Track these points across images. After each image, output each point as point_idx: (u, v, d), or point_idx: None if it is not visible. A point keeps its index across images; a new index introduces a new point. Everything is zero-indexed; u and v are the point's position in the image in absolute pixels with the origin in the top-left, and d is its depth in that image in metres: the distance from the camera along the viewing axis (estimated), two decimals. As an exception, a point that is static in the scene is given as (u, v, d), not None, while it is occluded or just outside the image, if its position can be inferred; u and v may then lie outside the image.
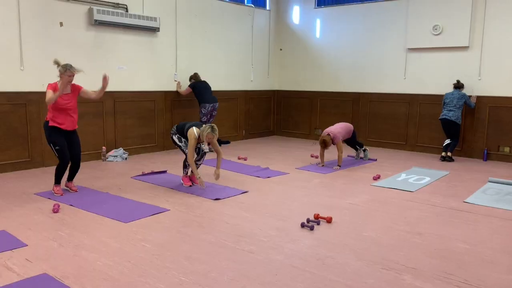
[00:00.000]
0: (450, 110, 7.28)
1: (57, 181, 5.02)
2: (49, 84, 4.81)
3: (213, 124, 5.07)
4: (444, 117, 7.35)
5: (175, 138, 5.38)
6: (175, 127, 5.43)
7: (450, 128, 7.36)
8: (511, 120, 7.30)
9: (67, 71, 4.71)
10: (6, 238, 3.62)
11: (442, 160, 7.38)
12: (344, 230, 3.97)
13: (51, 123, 4.81)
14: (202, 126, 5.10)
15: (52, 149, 4.92)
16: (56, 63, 4.76)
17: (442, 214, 4.48)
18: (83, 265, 3.14)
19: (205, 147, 5.26)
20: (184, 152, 5.34)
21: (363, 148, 7.36)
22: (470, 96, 7.46)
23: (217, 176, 5.24)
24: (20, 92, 6.10)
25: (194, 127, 5.10)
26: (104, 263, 3.18)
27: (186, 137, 5.24)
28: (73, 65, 4.79)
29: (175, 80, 8.05)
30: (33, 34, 6.16)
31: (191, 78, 7.97)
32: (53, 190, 5.02)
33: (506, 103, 7.31)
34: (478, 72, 7.54)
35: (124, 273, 3.02)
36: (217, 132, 5.05)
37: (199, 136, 5.05)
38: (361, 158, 7.40)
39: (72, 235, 3.73)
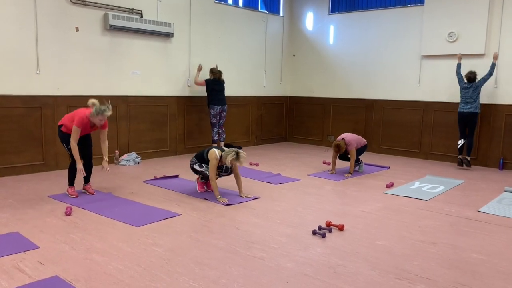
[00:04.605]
0: (467, 103, 7.08)
1: (71, 182, 5.10)
2: (77, 119, 4.77)
3: (240, 150, 4.91)
4: (461, 110, 7.16)
5: (196, 166, 5.22)
6: (194, 157, 5.30)
7: (467, 121, 7.13)
8: (528, 129, 7.18)
9: (99, 114, 4.76)
10: (19, 240, 3.65)
11: (460, 163, 7.15)
12: (357, 238, 3.92)
13: (64, 130, 4.94)
14: (224, 150, 4.98)
15: (65, 147, 5.03)
16: (93, 104, 4.80)
17: (456, 224, 4.40)
18: (94, 269, 3.15)
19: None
20: (207, 176, 5.21)
21: (359, 162, 6.99)
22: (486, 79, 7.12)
23: (245, 195, 5.19)
24: (35, 96, 6.18)
25: (215, 149, 5.02)
26: (115, 267, 3.18)
27: (207, 162, 5.10)
28: (106, 108, 4.78)
29: (188, 86, 8.10)
30: (49, 39, 6.24)
31: (211, 70, 7.93)
32: (67, 192, 5.09)
33: (523, 111, 7.20)
34: (495, 80, 7.43)
35: (135, 278, 3.02)
36: (242, 160, 4.87)
37: (221, 158, 4.93)
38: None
39: (84, 238, 3.75)
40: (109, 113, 4.81)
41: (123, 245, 3.61)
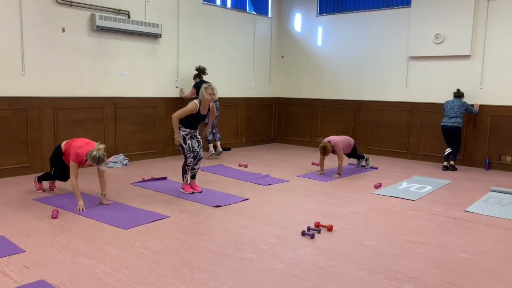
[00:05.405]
0: (451, 117, 7.22)
1: (41, 180, 5.24)
2: (73, 154, 4.56)
3: (209, 82, 5.21)
4: (444, 124, 7.30)
5: (182, 143, 5.29)
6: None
7: (451, 134, 7.27)
8: (513, 129, 7.29)
9: (93, 162, 4.46)
10: (4, 244, 3.59)
11: (445, 170, 7.30)
12: (345, 238, 3.94)
13: (62, 156, 4.90)
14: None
15: (51, 168, 5.07)
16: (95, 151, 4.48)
17: (443, 224, 4.44)
18: (81, 272, 3.11)
19: (201, 151, 5.34)
20: (185, 156, 5.29)
21: (365, 158, 7.35)
22: (472, 105, 7.42)
23: (206, 132, 5.70)
24: (21, 97, 6.09)
25: (195, 100, 5.22)
26: (102, 270, 3.14)
27: (189, 124, 5.23)
28: (103, 162, 4.47)
29: (177, 87, 8.06)
30: (35, 39, 6.16)
31: (195, 76, 7.88)
32: (34, 184, 5.26)
33: (508, 112, 7.29)
34: (480, 81, 7.53)
35: (123, 281, 2.98)
36: (213, 86, 5.15)
37: (200, 103, 5.12)
38: (362, 166, 7.38)
39: (71, 241, 3.70)
40: (103, 167, 4.53)
41: (111, 248, 3.57)
